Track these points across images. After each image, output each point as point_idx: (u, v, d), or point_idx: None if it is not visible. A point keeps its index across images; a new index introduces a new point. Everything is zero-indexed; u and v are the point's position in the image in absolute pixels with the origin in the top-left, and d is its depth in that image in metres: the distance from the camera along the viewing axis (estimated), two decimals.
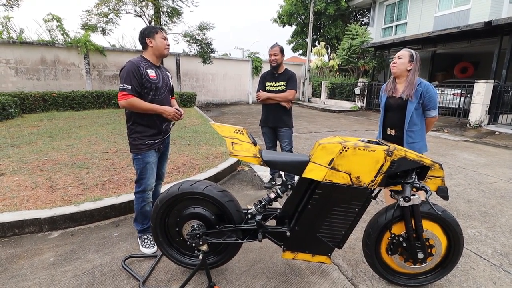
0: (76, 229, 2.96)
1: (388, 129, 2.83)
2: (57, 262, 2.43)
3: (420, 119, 2.67)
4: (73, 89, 11.79)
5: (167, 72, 2.76)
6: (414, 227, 2.01)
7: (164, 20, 11.71)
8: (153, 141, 2.54)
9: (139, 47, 14.78)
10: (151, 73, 2.46)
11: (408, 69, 2.63)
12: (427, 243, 2.06)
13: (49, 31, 11.95)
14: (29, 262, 2.42)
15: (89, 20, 11.28)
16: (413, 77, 2.61)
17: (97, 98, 11.17)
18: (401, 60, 2.64)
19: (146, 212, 2.65)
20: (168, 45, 2.59)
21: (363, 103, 14.59)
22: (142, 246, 2.62)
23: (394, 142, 2.59)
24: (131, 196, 3.31)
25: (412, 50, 2.68)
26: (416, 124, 2.66)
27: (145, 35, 2.48)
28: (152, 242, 2.65)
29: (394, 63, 2.69)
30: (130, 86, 2.32)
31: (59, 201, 3.21)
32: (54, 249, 2.62)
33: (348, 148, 1.86)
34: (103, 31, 11.63)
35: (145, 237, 2.68)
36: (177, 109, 2.59)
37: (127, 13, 11.39)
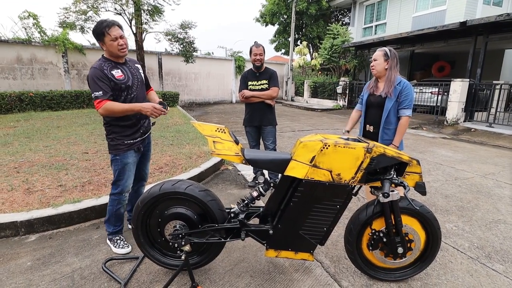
0: (55, 232, 2.88)
1: (367, 125, 2.93)
2: (35, 266, 2.35)
3: (397, 118, 2.73)
4: (51, 88, 11.43)
5: (135, 65, 2.58)
6: (393, 223, 2.06)
7: (145, 19, 11.50)
8: (132, 141, 2.46)
9: None
10: (117, 73, 2.33)
11: (385, 67, 2.71)
12: (407, 238, 2.11)
13: (25, 28, 11.57)
14: (4, 267, 2.33)
15: (67, 18, 10.94)
16: (391, 74, 2.69)
17: (77, 98, 10.87)
18: (377, 61, 2.74)
19: (120, 214, 2.58)
20: (122, 44, 2.31)
21: (345, 101, 14.81)
22: (115, 247, 2.56)
23: (372, 138, 2.68)
24: None
25: (386, 48, 2.75)
26: (393, 122, 2.73)
27: (96, 39, 2.30)
28: (125, 242, 2.61)
29: (372, 65, 2.79)
30: (101, 92, 2.21)
31: (36, 204, 3.11)
32: (31, 253, 2.53)
33: (328, 145, 1.89)
34: (82, 29, 11.31)
35: (117, 237, 2.61)
36: (158, 104, 2.42)
37: (106, 10, 11.11)
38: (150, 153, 2.83)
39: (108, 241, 2.64)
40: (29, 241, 2.73)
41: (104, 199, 3.23)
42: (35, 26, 11.55)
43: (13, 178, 3.78)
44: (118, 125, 2.40)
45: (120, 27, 2.33)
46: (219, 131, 2.02)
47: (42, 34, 11.72)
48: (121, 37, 2.31)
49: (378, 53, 2.74)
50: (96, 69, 2.25)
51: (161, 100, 2.56)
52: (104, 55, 2.38)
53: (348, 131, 3.09)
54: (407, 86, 2.66)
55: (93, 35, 2.31)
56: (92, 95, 2.23)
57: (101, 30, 2.23)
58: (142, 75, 2.61)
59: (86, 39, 33.06)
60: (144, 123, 2.57)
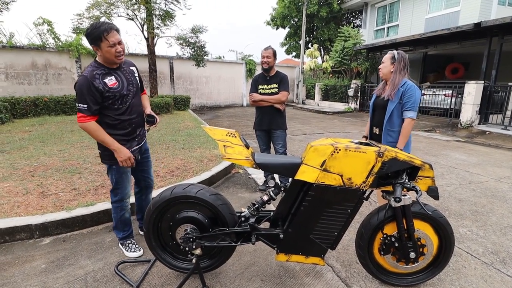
0: (68, 235, 2.93)
1: (374, 127, 2.93)
2: (49, 269, 2.40)
3: (402, 120, 2.70)
4: (65, 93, 11.69)
5: (130, 68, 2.42)
6: (405, 227, 2.03)
7: (156, 23, 11.65)
8: (128, 150, 2.35)
9: (132, 50, 14.59)
10: (110, 81, 2.19)
11: (391, 71, 2.70)
12: (419, 243, 2.08)
13: (40, 35, 11.86)
14: (20, 269, 2.39)
15: (81, 24, 11.17)
16: (395, 77, 2.68)
17: None
18: (384, 64, 2.75)
19: (126, 219, 2.59)
20: (120, 51, 2.17)
21: (357, 104, 14.69)
22: (127, 251, 2.59)
23: (378, 141, 2.68)
24: None
25: (395, 51, 2.74)
26: (397, 124, 2.70)
27: (90, 43, 2.13)
28: (137, 245, 2.63)
29: (379, 67, 2.81)
30: (86, 106, 2.10)
31: (50, 207, 3.18)
32: (45, 255, 2.59)
33: (339, 149, 1.88)
34: None
35: (129, 241, 2.63)
36: (149, 116, 2.45)
37: (119, 16, 11.31)
38: (151, 159, 2.78)
39: (120, 245, 2.67)
40: (43, 244, 2.79)
41: None
42: (50, 32, 11.83)
43: (28, 181, 3.87)
44: (113, 134, 2.27)
45: (118, 31, 2.17)
46: (229, 136, 2.03)
47: (56, 40, 12.00)
48: (119, 43, 2.16)
49: (386, 56, 2.75)
50: (87, 79, 2.10)
51: (150, 113, 2.50)
52: (97, 60, 2.23)
53: (366, 137, 3.09)
54: (410, 87, 2.62)
55: (87, 39, 2.13)
56: (77, 105, 2.12)
57: (98, 35, 2.07)
58: (137, 78, 2.48)
59: None
60: (140, 131, 2.49)
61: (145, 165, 2.69)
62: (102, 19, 11.08)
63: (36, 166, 4.49)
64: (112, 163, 2.36)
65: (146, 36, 11.76)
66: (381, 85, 2.90)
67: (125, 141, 2.36)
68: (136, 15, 11.29)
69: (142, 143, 2.55)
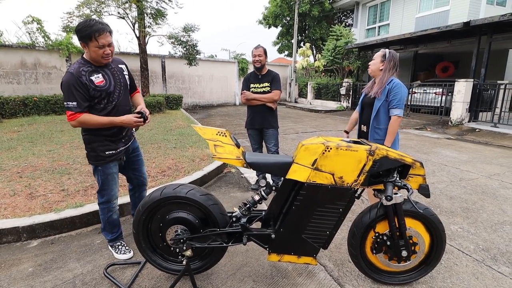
0: (57, 237, 2.87)
1: (362, 125, 2.96)
2: (36, 272, 2.34)
3: (389, 118, 2.70)
4: (55, 92, 11.51)
5: (119, 66, 2.35)
6: (397, 226, 2.03)
7: (148, 22, 11.53)
8: (114, 151, 2.33)
9: (123, 49, 14.44)
10: (97, 79, 2.13)
11: (380, 68, 2.72)
12: (411, 241, 2.08)
13: (29, 33, 11.64)
14: (6, 273, 2.33)
15: (71, 22, 11.02)
16: (383, 76, 2.70)
17: None
18: (373, 61, 2.77)
19: (114, 221, 2.55)
20: (108, 53, 2.12)
21: (349, 103, 14.77)
22: (117, 253, 2.54)
23: (366, 138, 2.71)
24: None
25: (386, 50, 2.75)
26: (383, 122, 2.72)
27: (79, 39, 2.07)
28: (127, 247, 2.59)
29: (369, 64, 2.83)
30: (75, 103, 2.04)
31: (38, 209, 3.11)
32: (33, 258, 2.53)
33: (330, 148, 1.87)
34: None
35: (118, 243, 2.59)
36: (138, 112, 2.28)
37: (109, 14, 11.16)
38: (142, 157, 2.71)
39: (109, 247, 2.63)
40: (31, 246, 2.73)
41: None
42: (39, 30, 11.62)
43: (16, 183, 3.79)
44: (99, 134, 2.24)
45: (111, 33, 2.12)
46: (220, 135, 2.01)
47: (46, 39, 11.80)
48: (109, 45, 2.11)
49: (378, 53, 2.77)
50: (73, 75, 2.05)
51: (141, 109, 2.34)
52: (84, 57, 2.17)
53: (347, 132, 3.10)
54: (396, 85, 2.63)
55: (77, 34, 2.06)
56: (65, 103, 2.06)
57: (89, 34, 2.01)
58: (127, 76, 2.40)
59: None
60: (128, 131, 2.44)
61: (136, 164, 2.64)
62: (93, 18, 10.94)
63: (24, 167, 4.40)
64: (97, 163, 2.32)
65: (138, 35, 11.63)
66: (370, 83, 2.91)
67: (111, 142, 2.31)
68: (127, 14, 11.16)
69: (129, 143, 2.50)
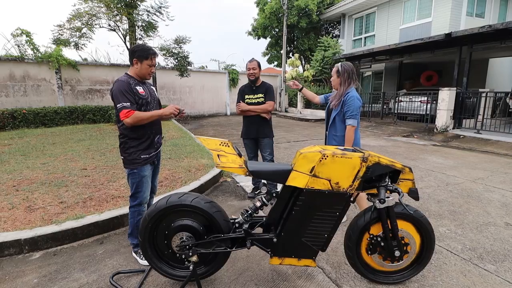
0: (59, 249, 2.91)
1: (326, 131, 3.26)
2: (42, 283, 2.39)
3: (345, 127, 2.96)
4: (44, 105, 11.47)
5: (151, 87, 2.85)
6: (390, 227, 2.17)
7: (139, 34, 11.66)
8: (148, 155, 2.60)
9: (113, 60, 14.45)
10: (140, 89, 2.54)
11: (339, 83, 2.99)
12: (403, 242, 2.22)
13: (18, 46, 11.61)
14: (11, 285, 2.36)
15: (61, 35, 11.07)
16: (340, 89, 2.99)
17: (71, 114, 10.93)
18: (332, 77, 3.07)
19: None
20: (153, 71, 2.66)
21: None
22: (141, 259, 2.64)
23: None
24: (114, 213, 3.31)
25: (339, 64, 3.03)
26: (340, 130, 3.02)
27: (133, 56, 2.52)
28: None
29: (331, 80, 3.13)
30: (129, 103, 2.39)
31: (38, 221, 3.15)
32: (37, 270, 2.57)
33: (327, 156, 2.00)
34: (76, 46, 11.44)
35: None
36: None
37: (100, 27, 11.27)
38: (160, 166, 2.96)
39: (133, 254, 2.73)
40: (33, 258, 2.76)
41: (107, 214, 3.29)
42: (28, 43, 11.61)
43: (13, 196, 3.80)
44: (135, 139, 2.55)
45: (157, 57, 2.67)
46: (223, 145, 2.13)
47: (35, 51, 11.78)
48: (154, 65, 2.63)
49: (333, 70, 3.05)
50: (124, 82, 2.44)
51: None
52: (129, 73, 2.57)
53: (300, 89, 3.57)
54: (350, 98, 2.91)
55: (133, 53, 2.52)
56: (119, 105, 2.38)
57: (147, 54, 2.50)
58: (157, 95, 2.85)
59: (78, 55, 33.15)
60: (158, 138, 2.74)
61: (155, 170, 2.86)
62: (84, 30, 11.00)
63: (20, 180, 4.41)
64: (134, 166, 2.55)
65: (129, 47, 11.73)
66: (333, 94, 3.17)
67: (146, 148, 2.60)
68: (118, 26, 11.27)
69: (159, 149, 2.80)
